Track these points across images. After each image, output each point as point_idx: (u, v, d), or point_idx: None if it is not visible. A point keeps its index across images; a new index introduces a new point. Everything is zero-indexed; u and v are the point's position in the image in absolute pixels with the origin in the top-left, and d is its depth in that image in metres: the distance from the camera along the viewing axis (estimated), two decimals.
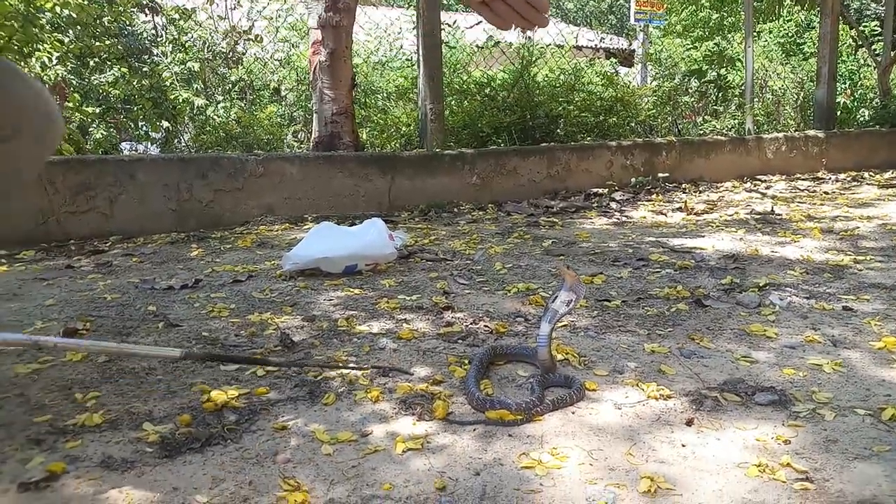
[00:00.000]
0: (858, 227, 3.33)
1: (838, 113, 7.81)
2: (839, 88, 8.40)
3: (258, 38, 6.53)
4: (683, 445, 1.28)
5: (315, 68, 4.35)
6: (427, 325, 1.98)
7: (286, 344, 1.82)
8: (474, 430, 1.36)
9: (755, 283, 2.34)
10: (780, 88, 7.80)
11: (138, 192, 3.47)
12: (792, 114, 7.61)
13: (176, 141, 6.35)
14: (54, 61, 4.98)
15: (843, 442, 1.28)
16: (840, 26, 8.71)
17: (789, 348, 1.78)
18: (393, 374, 1.62)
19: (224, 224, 3.60)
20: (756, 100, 7.73)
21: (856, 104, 8.13)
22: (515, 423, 1.36)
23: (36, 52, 4.60)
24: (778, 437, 1.30)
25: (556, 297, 1.57)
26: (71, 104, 4.61)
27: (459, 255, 2.88)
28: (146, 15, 6.34)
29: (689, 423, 1.36)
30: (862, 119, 7.29)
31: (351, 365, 1.67)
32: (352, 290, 2.36)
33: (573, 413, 1.42)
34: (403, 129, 6.01)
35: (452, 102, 5.72)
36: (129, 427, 1.38)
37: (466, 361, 1.67)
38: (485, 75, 6.32)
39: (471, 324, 1.97)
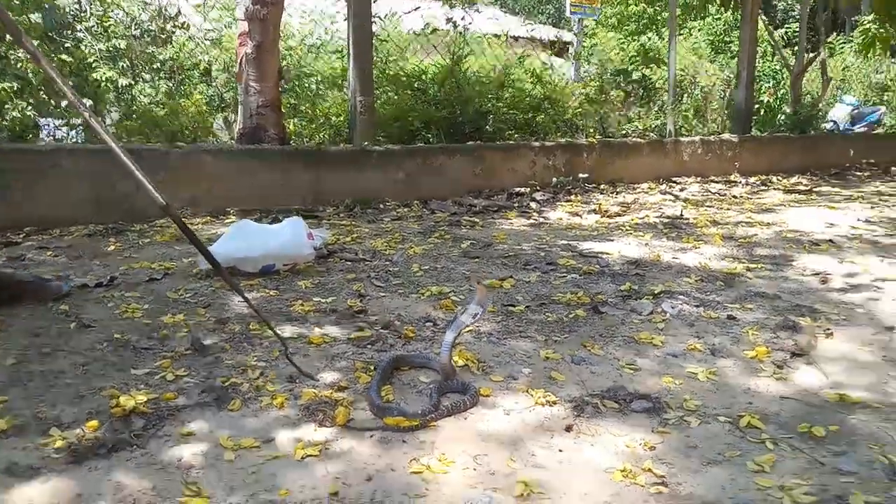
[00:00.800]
0: (756, 235, 3.56)
1: (762, 112, 8.20)
2: (764, 88, 8.78)
3: (185, 25, 6.40)
4: (560, 451, 1.40)
5: (241, 60, 4.34)
6: (339, 329, 2.06)
7: (196, 347, 1.87)
8: (372, 436, 1.45)
9: (651, 291, 2.50)
10: (707, 85, 8.13)
11: (58, 182, 3.42)
12: (718, 109, 7.94)
13: (99, 120, 6.19)
14: None
15: (701, 448, 1.43)
16: (763, 28, 9.12)
17: (672, 356, 1.93)
18: (299, 379, 1.70)
19: (146, 217, 3.57)
20: (685, 95, 8.05)
21: (778, 104, 8.52)
22: (411, 429, 1.46)
23: None
24: (646, 443, 1.44)
25: (466, 309, 1.67)
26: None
27: (379, 256, 2.96)
28: None
29: (569, 429, 1.48)
30: (778, 121, 7.67)
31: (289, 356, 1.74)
32: (268, 290, 2.41)
33: (465, 419, 1.53)
34: (333, 119, 6.03)
35: (384, 95, 5.77)
36: (36, 433, 1.42)
37: (372, 368, 1.76)
38: (416, 68, 6.37)
39: (381, 328, 2.06)
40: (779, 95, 8.86)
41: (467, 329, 1.66)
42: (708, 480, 1.30)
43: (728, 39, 11.58)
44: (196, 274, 2.56)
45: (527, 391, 1.66)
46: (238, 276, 2.53)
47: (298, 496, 1.23)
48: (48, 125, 6.01)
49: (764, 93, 8.88)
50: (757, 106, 8.12)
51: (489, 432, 1.48)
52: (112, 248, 3.00)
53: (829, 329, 2.13)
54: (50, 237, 3.21)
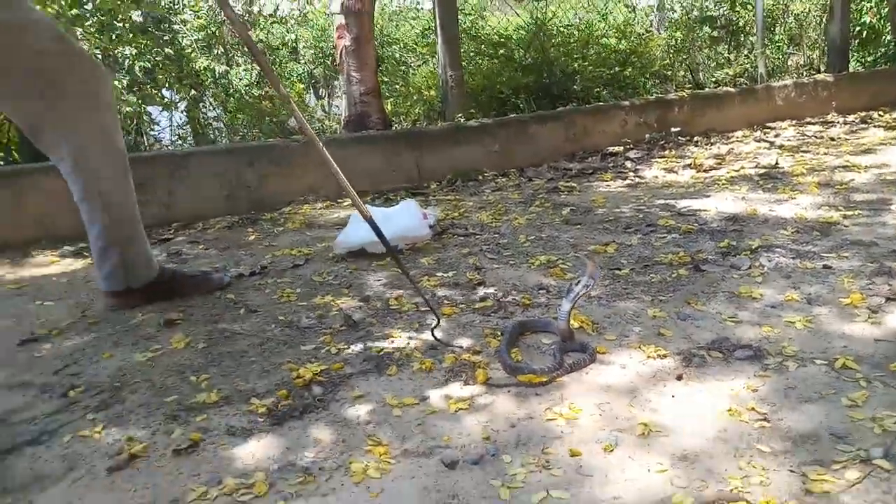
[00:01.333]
0: (854, 179, 3.60)
1: (864, 34, 7.84)
2: (866, 7, 8.34)
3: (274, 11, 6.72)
4: (673, 396, 1.64)
5: (341, 52, 4.64)
6: (464, 300, 2.35)
7: (349, 324, 2.20)
8: (508, 391, 1.73)
9: (749, 245, 2.66)
10: (802, 13, 7.86)
11: (192, 182, 3.84)
12: (815, 38, 7.68)
13: (200, 105, 6.70)
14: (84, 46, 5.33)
15: (799, 388, 1.63)
16: None
17: (770, 307, 2.11)
18: (440, 346, 2.00)
19: (271, 205, 3.97)
20: (777, 26, 7.81)
21: (883, 23, 8.10)
22: (541, 385, 1.73)
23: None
24: (748, 386, 1.65)
25: (579, 281, 1.91)
26: (120, 100, 4.96)
27: (487, 229, 3.22)
28: None
29: (679, 378, 1.72)
30: (882, 45, 7.34)
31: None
32: (397, 270, 2.72)
33: (587, 374, 1.78)
34: (425, 94, 6.31)
35: (471, 64, 5.97)
36: (240, 402, 1.77)
37: (499, 333, 2.03)
38: (499, 32, 6.52)
39: (501, 298, 2.33)
40: (882, 14, 8.44)
41: (581, 297, 1.90)
42: (805, 416, 1.51)
43: None
44: (333, 258, 2.90)
45: (639, 347, 1.90)
46: (368, 258, 2.85)
47: (458, 441, 1.52)
48: (153, 114, 6.54)
49: (866, 13, 8.45)
50: (858, 28, 7.79)
51: (609, 384, 1.72)
52: (252, 237, 3.39)
53: None
54: (195, 231, 3.64)
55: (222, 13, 7.07)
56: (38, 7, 2.28)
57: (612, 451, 1.43)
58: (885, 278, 2.24)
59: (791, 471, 1.31)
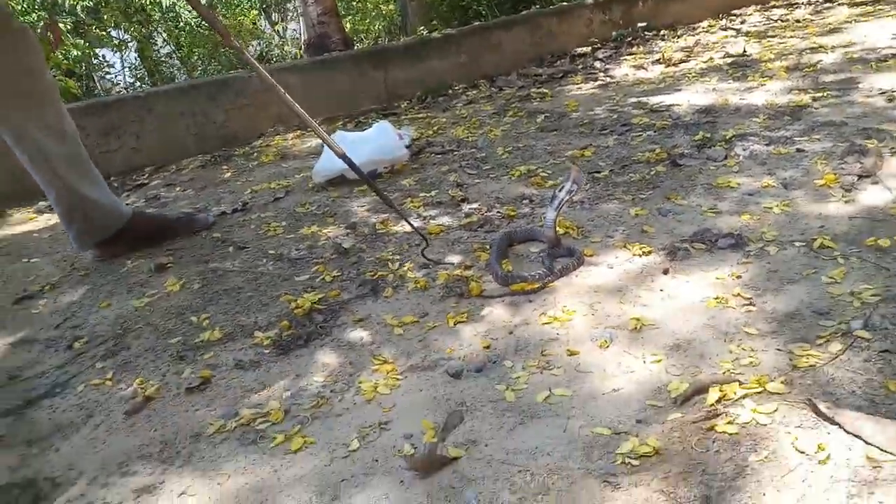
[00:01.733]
0: (822, 60, 3.61)
1: None
2: None
3: None
4: (661, 290, 1.70)
5: None
6: (449, 218, 2.38)
7: (340, 251, 2.23)
8: (503, 300, 1.78)
9: (723, 136, 2.70)
10: None
11: (159, 123, 3.77)
12: None
13: (152, 42, 6.50)
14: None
15: (781, 270, 1.70)
16: None
17: (748, 195, 2.17)
18: (432, 264, 2.04)
19: (241, 140, 3.92)
20: None
21: None
22: (533, 292, 1.79)
23: None
24: (733, 273, 1.72)
25: (563, 187, 1.93)
26: (65, 45, 4.79)
27: (464, 144, 3.22)
28: None
29: (666, 272, 1.78)
30: None
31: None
32: None
33: (576, 277, 1.84)
34: (384, 9, 6.15)
35: None
36: (244, 336, 1.81)
37: (488, 247, 2.08)
38: None
39: (486, 212, 2.36)
40: None
41: (566, 203, 1.93)
42: (788, 296, 1.58)
43: None
44: (312, 188, 2.90)
45: (624, 246, 1.95)
46: (349, 184, 2.85)
47: (460, 352, 1.59)
48: (103, 56, 6.33)
49: None
50: None
51: (598, 284, 1.79)
52: (228, 174, 3.37)
53: (894, 147, 2.31)
54: (169, 174, 3.60)
55: None
56: None
57: (607, 347, 1.50)
58: (856, 156, 2.29)
59: (778, 349, 1.39)
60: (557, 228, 1.99)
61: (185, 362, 1.73)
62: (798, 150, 2.45)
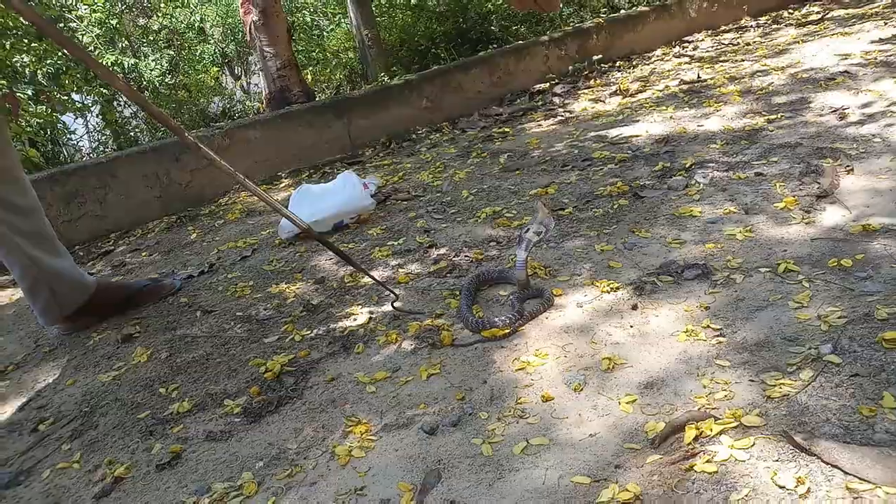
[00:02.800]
0: (773, 83, 3.69)
1: None
2: None
3: None
4: (631, 326, 1.70)
5: (250, 28, 4.52)
6: (418, 265, 2.37)
7: (308, 308, 2.20)
8: (475, 348, 1.77)
9: (683, 165, 2.73)
10: None
11: (123, 188, 3.74)
12: None
13: (115, 104, 6.48)
14: None
15: (748, 298, 1.71)
16: None
17: (711, 223, 2.19)
18: (401, 315, 2.02)
19: (207, 199, 3.89)
20: None
21: None
22: (505, 337, 1.77)
23: None
24: (701, 304, 1.72)
25: (529, 228, 1.93)
26: (26, 114, 4.75)
27: (429, 189, 3.22)
28: None
29: (634, 307, 1.78)
30: None
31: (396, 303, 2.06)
32: (346, 245, 2.72)
33: (547, 318, 1.83)
34: (343, 58, 6.20)
35: (384, 20, 5.89)
36: (214, 405, 1.77)
37: (457, 293, 2.06)
38: None
39: (454, 257, 2.36)
40: None
41: (535, 244, 1.93)
42: (757, 324, 1.58)
43: None
44: (279, 244, 2.88)
45: (592, 283, 1.95)
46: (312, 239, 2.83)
47: (434, 406, 1.56)
48: (64, 123, 6.30)
49: None
50: None
51: (569, 325, 1.78)
52: (194, 235, 3.33)
53: (849, 165, 2.35)
54: (135, 238, 3.55)
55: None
56: None
57: (581, 390, 1.49)
58: (812, 177, 2.33)
59: (751, 380, 1.38)
60: (527, 269, 1.98)
61: (155, 437, 1.69)
62: (757, 174, 2.48)
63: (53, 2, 5.94)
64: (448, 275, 2.24)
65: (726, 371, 1.43)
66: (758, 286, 1.75)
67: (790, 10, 6.08)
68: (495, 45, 5.46)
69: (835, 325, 1.51)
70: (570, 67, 5.21)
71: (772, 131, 2.91)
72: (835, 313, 1.55)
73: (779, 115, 3.10)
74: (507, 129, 4.10)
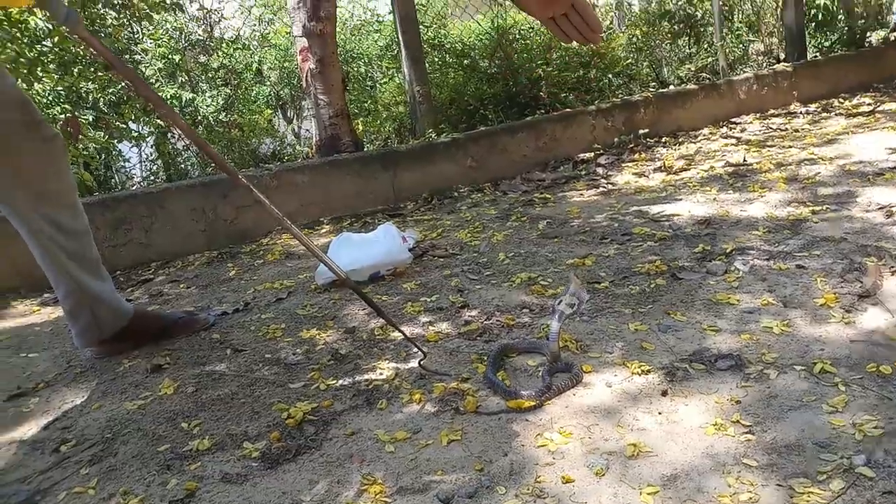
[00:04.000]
0: (820, 173, 3.68)
1: (819, 17, 8.03)
2: None
3: (236, 36, 6.68)
4: (659, 413, 1.68)
5: (306, 76, 4.65)
6: (448, 325, 2.37)
7: (337, 358, 2.21)
8: (499, 418, 1.75)
9: (724, 249, 2.71)
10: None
11: (169, 219, 3.84)
12: (773, 23, 7.86)
13: (169, 136, 6.68)
14: (56, 95, 5.30)
15: (781, 396, 1.68)
16: None
17: (748, 313, 2.16)
18: (427, 375, 2.02)
19: (249, 237, 3.97)
20: (735, 12, 7.99)
21: (836, 3, 8.26)
22: (531, 410, 1.76)
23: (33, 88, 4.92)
24: (732, 398, 1.69)
25: (562, 300, 1.93)
26: (85, 138, 4.93)
27: (466, 248, 3.25)
28: (117, 13, 6.48)
29: (664, 393, 1.75)
30: (837, 29, 7.51)
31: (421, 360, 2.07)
32: (380, 296, 2.74)
33: (574, 395, 1.81)
34: (394, 111, 6.34)
35: (436, 78, 6.01)
36: (233, 446, 1.78)
37: (486, 357, 2.06)
38: (461, 41, 6.58)
39: (485, 320, 2.36)
40: None
41: (568, 316, 1.93)
42: (788, 425, 1.55)
43: None
44: (315, 289, 2.91)
45: (623, 364, 1.93)
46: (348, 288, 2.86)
47: (452, 474, 1.55)
48: (120, 150, 6.50)
49: None
50: (814, 11, 7.97)
51: (596, 404, 1.76)
52: (232, 272, 3.39)
53: (893, 266, 2.31)
54: (175, 269, 3.63)
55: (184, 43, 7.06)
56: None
57: (602, 475, 1.46)
58: (855, 275, 2.30)
59: (778, 485, 1.35)
60: (559, 342, 1.98)
61: (172, 472, 1.70)
62: (798, 267, 2.45)
63: (122, 35, 6.19)
64: (478, 338, 2.24)
65: (753, 471, 1.40)
66: (792, 384, 1.72)
67: (840, 100, 6.08)
68: (543, 111, 5.53)
69: (870, 435, 1.47)
70: (616, 139, 5.25)
71: (816, 223, 2.89)
72: (870, 423, 1.51)
73: (824, 207, 3.08)
74: (548, 196, 4.13)
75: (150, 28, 6.89)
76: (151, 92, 1.41)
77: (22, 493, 1.71)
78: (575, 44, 1.67)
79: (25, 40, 5.08)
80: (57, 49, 5.34)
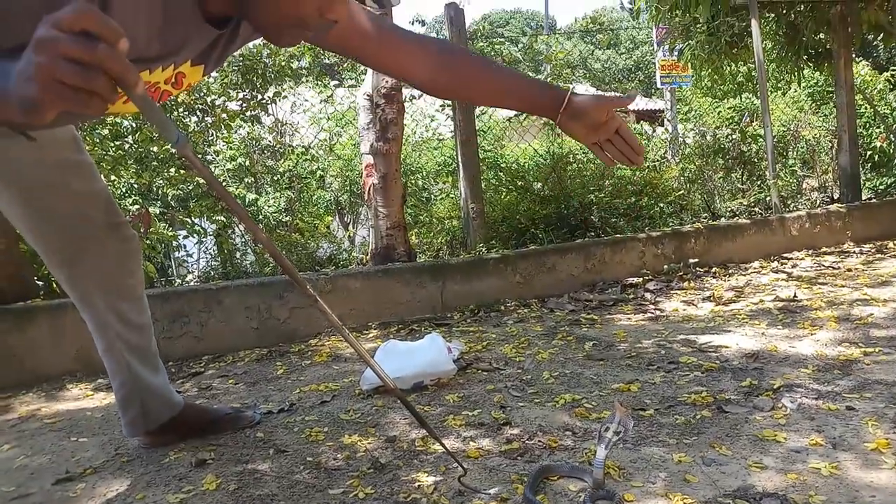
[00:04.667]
0: (873, 314, 3.64)
1: (875, 158, 8.12)
2: (875, 133, 8.64)
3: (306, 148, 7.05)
4: None
5: (369, 189, 4.88)
6: (489, 441, 2.38)
7: (376, 466, 2.23)
8: None
9: (771, 385, 2.69)
10: (813, 138, 8.21)
11: (225, 315, 3.98)
12: (828, 161, 7.97)
13: (230, 232, 6.96)
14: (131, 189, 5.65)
15: None
16: (864, 75, 9.07)
17: (795, 452, 2.12)
18: (466, 492, 2.02)
19: (299, 338, 4.07)
20: (790, 150, 8.13)
21: (893, 147, 8.36)
22: None
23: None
24: None
25: (609, 427, 1.94)
26: (154, 230, 5.20)
27: (511, 363, 3.28)
28: (197, 117, 6.92)
29: None
30: (882, 186, 7.59)
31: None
32: (421, 406, 2.77)
33: None
34: (447, 224, 6.53)
35: (490, 195, 6.22)
36: None
37: (526, 478, 2.05)
38: (517, 162, 6.84)
39: (527, 440, 2.36)
40: (892, 140, 8.72)
41: (614, 444, 1.93)
42: None
43: (830, 90, 11.59)
44: (359, 394, 2.96)
45: (665, 495, 1.91)
46: (394, 396, 2.90)
47: None
48: (188, 247, 6.80)
49: (876, 138, 8.74)
50: (869, 153, 8.07)
51: None
52: (280, 371, 3.47)
53: None
54: (225, 364, 3.72)
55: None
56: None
57: None
58: None
59: None
60: (604, 470, 1.97)
61: None
62: (848, 408, 2.41)
63: (200, 140, 6.61)
64: (519, 457, 2.24)
65: None
66: None
67: (895, 243, 6.05)
68: (593, 234, 5.65)
69: None
70: (665, 267, 5.30)
71: (867, 365, 2.85)
72: None
73: (876, 349, 3.03)
74: (595, 317, 4.15)
75: (226, 133, 7.34)
76: (239, 207, 1.54)
77: None
78: (628, 171, 1.79)
79: (110, 137, 5.48)
80: (136, 147, 5.74)
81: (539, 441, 2.35)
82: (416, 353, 3.11)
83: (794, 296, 4.22)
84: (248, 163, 7.45)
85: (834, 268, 5.19)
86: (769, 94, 8.26)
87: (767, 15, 7.99)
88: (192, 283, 5.54)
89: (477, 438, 2.42)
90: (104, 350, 2.39)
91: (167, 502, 2.09)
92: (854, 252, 5.79)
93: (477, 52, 1.89)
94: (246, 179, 7.60)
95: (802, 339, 3.31)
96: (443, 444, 2.15)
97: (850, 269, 5.07)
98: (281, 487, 2.14)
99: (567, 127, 1.79)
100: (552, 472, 2.09)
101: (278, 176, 7.43)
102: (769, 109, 7.05)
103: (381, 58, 1.88)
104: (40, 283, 4.43)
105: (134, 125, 5.68)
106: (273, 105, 7.07)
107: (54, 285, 4.50)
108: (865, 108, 8.88)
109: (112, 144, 5.44)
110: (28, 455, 2.60)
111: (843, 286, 4.48)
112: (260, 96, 6.50)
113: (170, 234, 6.03)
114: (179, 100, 5.87)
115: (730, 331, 3.59)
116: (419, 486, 2.08)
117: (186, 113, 6.31)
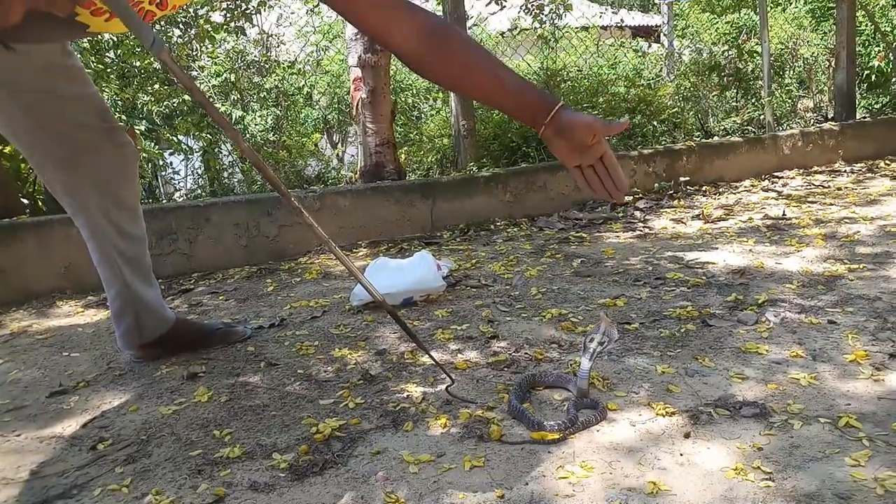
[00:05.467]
0: (859, 232, 3.66)
1: (872, 77, 8.01)
2: (874, 52, 8.50)
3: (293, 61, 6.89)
4: (681, 454, 1.69)
5: (357, 104, 4.79)
6: (477, 354, 2.42)
7: (366, 378, 2.27)
8: (522, 448, 1.78)
9: (756, 300, 2.72)
10: (811, 56, 8.08)
11: (213, 232, 3.96)
12: (825, 80, 7.87)
13: (216, 150, 6.87)
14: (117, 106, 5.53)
15: (804, 447, 1.68)
16: None
17: (776, 363, 2.17)
18: (454, 401, 2.06)
19: (289, 255, 4.08)
20: (786, 69, 8.01)
21: (891, 67, 8.23)
22: (554, 442, 1.79)
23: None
24: (754, 444, 1.70)
25: (594, 337, 1.97)
26: (140, 148, 5.12)
27: (500, 280, 3.30)
28: (180, 30, 6.69)
29: (687, 436, 1.77)
30: (878, 105, 7.50)
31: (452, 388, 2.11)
32: (411, 321, 2.79)
33: (598, 431, 1.84)
34: (437, 143, 6.45)
35: (481, 113, 6.12)
36: (262, 457, 1.84)
37: (512, 388, 2.10)
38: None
39: (514, 352, 2.40)
40: (890, 59, 8.58)
41: (598, 354, 1.96)
42: (810, 475, 1.56)
43: (831, 6, 11.28)
44: (349, 310, 2.99)
45: (648, 404, 1.96)
46: (384, 309, 2.93)
47: (473, 499, 1.58)
48: (171, 162, 6.71)
49: (874, 57, 8.59)
50: (867, 72, 7.95)
51: (619, 442, 1.78)
52: (270, 288, 3.48)
53: None
54: (215, 282, 3.74)
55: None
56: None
57: None
58: (888, 334, 2.29)
59: None
60: (589, 379, 2.01)
61: (202, 477, 1.76)
62: (829, 322, 2.45)
63: (184, 53, 6.41)
64: (505, 369, 2.28)
65: None
66: (815, 436, 1.73)
67: (887, 162, 6.04)
68: None
69: (891, 490, 1.47)
70: (656, 185, 5.28)
71: (851, 281, 2.88)
72: (893, 478, 1.51)
73: (861, 266, 3.06)
74: (584, 235, 4.17)
75: (210, 47, 7.12)
76: (220, 115, 1.50)
77: (59, 486, 1.78)
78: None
79: (92, 51, 5.32)
80: (119, 61, 5.58)
81: (525, 353, 2.38)
82: (405, 270, 3.12)
83: (783, 214, 4.24)
84: (233, 78, 7.27)
85: (824, 187, 5.19)
86: (768, 9, 8.04)
87: None
88: (179, 201, 5.49)
89: (464, 351, 2.45)
90: (99, 260, 2.39)
91: (160, 413, 2.13)
92: (845, 171, 5.78)
93: (468, 36, 1.71)
94: (232, 96, 7.43)
95: (789, 256, 3.34)
96: (431, 356, 2.18)
97: (839, 188, 5.07)
98: (272, 398, 2.18)
99: (550, 141, 1.64)
100: (538, 382, 2.13)
101: (265, 93, 7.26)
102: (768, 25, 6.88)
103: (368, 17, 1.69)
104: (26, 200, 4.39)
105: (115, 38, 5.50)
106: (258, 16, 6.85)
107: (39, 203, 4.46)
108: (866, 24, 8.68)
109: (93, 59, 5.29)
110: (21, 369, 2.63)
111: (831, 204, 4.49)
112: (244, 5, 6.27)
113: (156, 151, 5.94)
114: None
115: (717, 248, 3.61)
116: (408, 396, 2.13)
117: (168, 26, 6.10)
